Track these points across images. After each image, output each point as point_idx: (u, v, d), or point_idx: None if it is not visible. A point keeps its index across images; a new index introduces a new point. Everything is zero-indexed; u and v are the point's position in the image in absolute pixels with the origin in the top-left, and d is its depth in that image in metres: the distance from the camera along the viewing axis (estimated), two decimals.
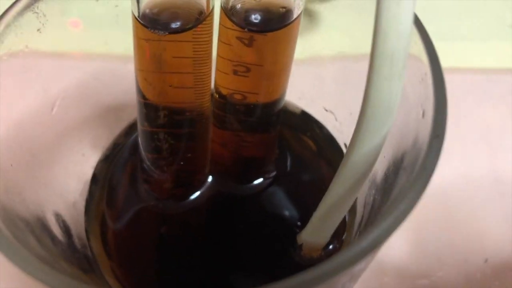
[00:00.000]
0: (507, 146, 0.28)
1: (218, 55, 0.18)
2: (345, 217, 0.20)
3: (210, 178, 0.23)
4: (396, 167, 0.15)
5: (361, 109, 0.12)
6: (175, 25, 0.15)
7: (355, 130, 0.12)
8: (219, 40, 0.18)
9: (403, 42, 0.11)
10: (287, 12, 0.16)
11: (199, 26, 0.16)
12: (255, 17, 0.16)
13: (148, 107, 0.18)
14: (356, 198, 0.16)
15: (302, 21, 0.17)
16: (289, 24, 0.17)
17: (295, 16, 0.17)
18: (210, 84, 0.18)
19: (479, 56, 0.31)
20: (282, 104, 0.20)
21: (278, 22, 0.17)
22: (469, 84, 0.30)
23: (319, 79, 0.23)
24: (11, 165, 0.16)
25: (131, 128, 0.25)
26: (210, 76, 0.18)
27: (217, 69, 0.19)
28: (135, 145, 0.24)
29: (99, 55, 0.21)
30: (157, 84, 0.17)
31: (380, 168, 0.17)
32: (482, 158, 0.27)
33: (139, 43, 0.16)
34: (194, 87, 0.17)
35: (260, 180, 0.23)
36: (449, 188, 0.26)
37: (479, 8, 0.34)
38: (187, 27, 0.16)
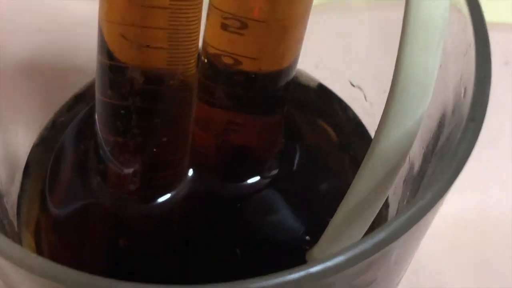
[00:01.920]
0: None
1: (209, 2, 0.17)
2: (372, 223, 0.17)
3: (190, 173, 0.19)
4: (431, 155, 0.15)
5: (391, 86, 0.12)
6: None
7: (383, 111, 0.12)
8: None
9: (442, 4, 0.11)
10: None
11: None
12: None
13: (115, 70, 0.16)
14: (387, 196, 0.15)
15: None
16: None
17: None
18: (198, 43, 0.16)
19: None
20: (292, 75, 0.18)
21: None
22: None
23: (344, 39, 0.21)
24: None
25: (76, 100, 0.21)
26: (198, 33, 0.16)
27: (206, 22, 0.17)
28: (84, 123, 0.21)
29: None
30: (133, 40, 0.15)
31: (415, 158, 0.16)
32: None
33: None
34: (174, 46, 0.16)
35: (256, 178, 0.20)
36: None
37: None
38: None
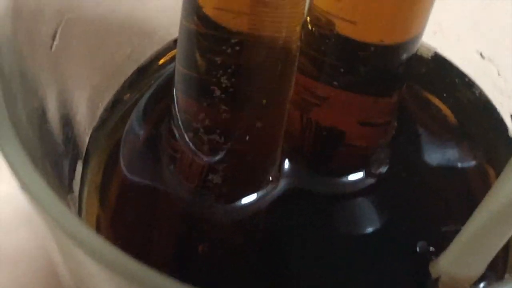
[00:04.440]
0: None
1: None
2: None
3: (286, 166, 0.17)
4: None
5: None
6: None
7: None
8: None
9: None
10: None
11: None
12: None
13: (209, 39, 0.14)
14: None
15: None
16: None
17: None
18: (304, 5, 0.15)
19: None
20: (415, 49, 0.16)
21: None
22: None
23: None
24: None
25: (139, 75, 0.19)
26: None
27: None
28: (153, 102, 0.18)
29: None
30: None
31: None
32: None
33: None
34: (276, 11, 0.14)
35: (361, 175, 0.17)
36: None
37: None
38: None
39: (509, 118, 0.18)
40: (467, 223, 0.14)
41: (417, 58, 0.19)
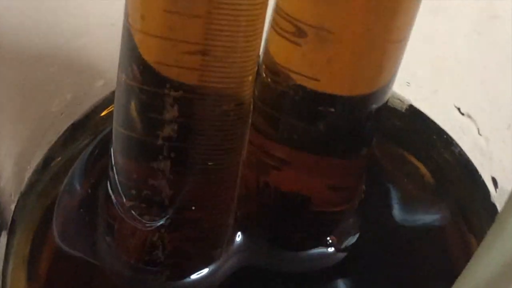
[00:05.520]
0: None
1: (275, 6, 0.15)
2: None
3: (237, 238, 0.16)
4: None
5: None
6: None
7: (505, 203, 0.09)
8: None
9: None
10: None
11: None
12: None
13: (148, 94, 0.13)
14: None
15: None
16: None
17: None
18: (256, 57, 0.14)
19: None
20: (386, 98, 0.15)
21: None
22: None
23: (447, 47, 0.17)
24: None
25: (74, 132, 0.17)
26: (260, 38, 0.14)
27: (270, 28, 0.15)
28: (89, 165, 0.17)
29: None
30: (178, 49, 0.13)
31: None
32: None
33: None
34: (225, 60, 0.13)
35: (327, 248, 0.16)
36: None
37: None
38: None
39: (490, 182, 0.17)
40: None
41: (391, 110, 0.18)
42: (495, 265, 0.11)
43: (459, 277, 0.12)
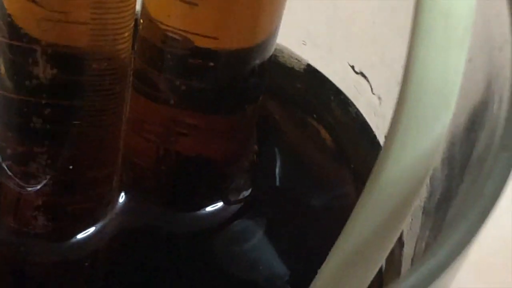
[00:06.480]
0: None
1: None
2: (381, 268, 0.14)
3: (121, 198, 0.16)
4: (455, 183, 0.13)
5: (400, 93, 0.10)
6: None
7: (390, 126, 0.10)
8: None
9: None
10: None
11: None
12: None
13: (17, 50, 0.14)
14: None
15: None
16: None
17: None
18: (133, 12, 0.14)
19: None
20: (268, 54, 0.15)
21: None
22: None
23: (343, 7, 0.17)
24: None
25: None
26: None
27: None
28: None
29: None
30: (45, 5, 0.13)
31: (436, 181, 0.14)
32: None
33: None
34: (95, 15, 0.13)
35: (219, 204, 0.16)
36: None
37: None
38: None
39: (383, 138, 0.17)
40: (327, 257, 0.12)
41: (288, 71, 0.18)
42: (366, 226, 0.11)
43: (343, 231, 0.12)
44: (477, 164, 0.12)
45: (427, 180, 0.12)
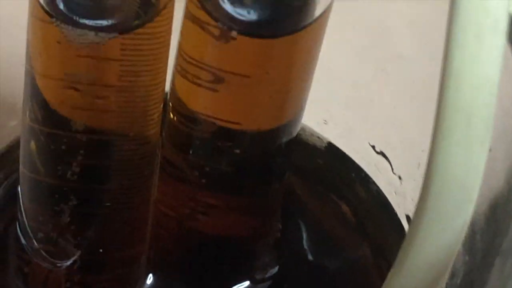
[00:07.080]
0: None
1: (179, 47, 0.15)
2: None
3: (149, 280, 0.16)
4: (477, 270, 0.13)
5: (423, 186, 0.10)
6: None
7: (413, 218, 0.10)
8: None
9: (485, 94, 0.10)
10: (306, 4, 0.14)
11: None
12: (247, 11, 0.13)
13: (52, 139, 0.14)
14: None
15: None
16: (309, 24, 0.14)
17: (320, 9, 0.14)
18: (160, 100, 0.14)
19: None
20: (294, 133, 0.15)
21: (290, 21, 0.13)
22: None
23: (362, 88, 0.17)
24: None
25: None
26: (162, 86, 0.14)
27: (175, 72, 0.15)
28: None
29: None
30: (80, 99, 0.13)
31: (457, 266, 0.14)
32: None
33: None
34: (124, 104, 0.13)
35: (245, 284, 0.16)
36: None
37: None
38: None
39: (405, 220, 0.17)
40: None
41: (311, 148, 0.18)
42: None
43: None
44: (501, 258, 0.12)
45: (449, 269, 0.12)
